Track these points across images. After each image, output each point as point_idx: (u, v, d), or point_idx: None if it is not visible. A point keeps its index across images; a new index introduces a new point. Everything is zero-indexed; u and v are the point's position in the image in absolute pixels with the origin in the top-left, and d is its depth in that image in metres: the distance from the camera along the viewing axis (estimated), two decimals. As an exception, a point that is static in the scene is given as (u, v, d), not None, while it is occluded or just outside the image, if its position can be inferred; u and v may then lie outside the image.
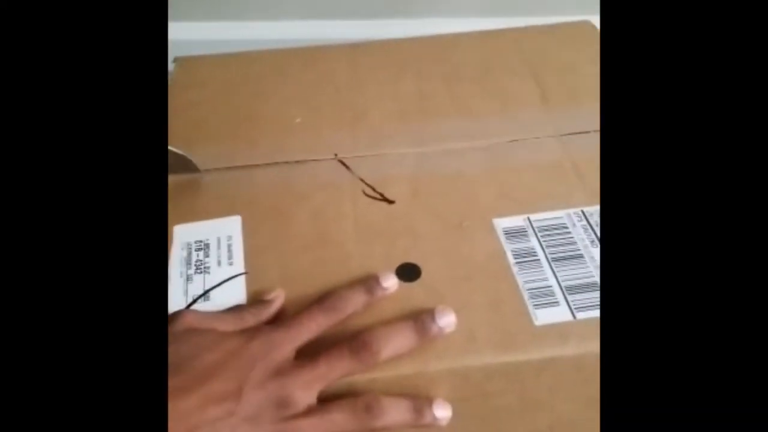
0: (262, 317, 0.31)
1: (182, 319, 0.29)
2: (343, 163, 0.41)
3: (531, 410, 0.31)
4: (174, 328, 0.28)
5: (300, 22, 0.73)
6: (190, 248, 0.36)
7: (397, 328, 0.29)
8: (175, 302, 0.33)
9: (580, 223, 0.35)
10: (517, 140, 0.42)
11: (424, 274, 0.33)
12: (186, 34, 0.70)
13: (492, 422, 0.32)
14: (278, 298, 0.32)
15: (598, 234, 0.35)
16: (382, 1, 0.72)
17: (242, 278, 0.34)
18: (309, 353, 0.29)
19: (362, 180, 0.40)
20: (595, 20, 0.55)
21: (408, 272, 0.33)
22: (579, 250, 0.34)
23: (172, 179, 0.41)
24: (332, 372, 0.28)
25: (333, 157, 0.42)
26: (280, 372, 0.27)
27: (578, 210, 0.36)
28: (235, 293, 0.33)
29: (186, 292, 0.33)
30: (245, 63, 0.51)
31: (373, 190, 0.39)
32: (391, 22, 0.73)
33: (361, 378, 0.29)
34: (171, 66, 0.51)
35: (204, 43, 0.53)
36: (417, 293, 0.32)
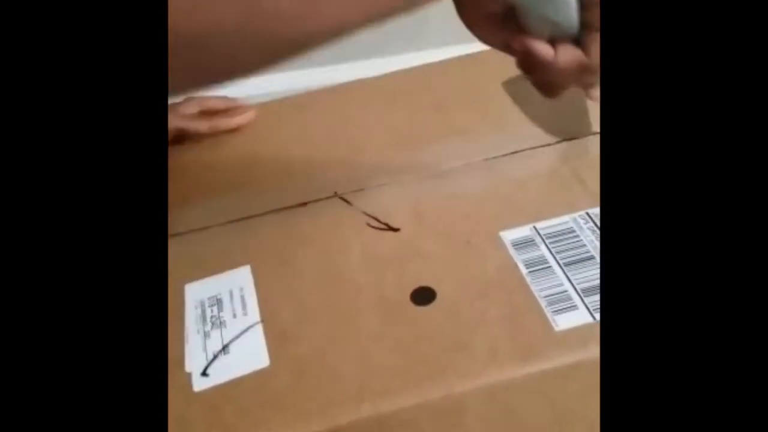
0: None
1: None
2: (344, 199, 0.41)
3: (564, 422, 0.30)
4: None
5: (281, 74, 0.75)
6: (204, 305, 0.36)
7: None
8: (196, 360, 0.33)
9: (587, 225, 0.35)
10: (513, 153, 0.42)
11: (438, 296, 0.33)
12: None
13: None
14: None
15: (607, 233, 0.34)
16: (358, 44, 0.74)
17: (258, 327, 0.34)
18: None
19: (365, 213, 0.40)
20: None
21: (423, 296, 0.33)
22: (590, 252, 0.34)
23: (177, 240, 0.41)
24: None
25: (333, 194, 0.42)
26: None
27: (582, 213, 0.36)
28: (254, 343, 0.33)
29: (205, 349, 0.33)
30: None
31: (377, 221, 0.39)
32: (368, 63, 0.74)
33: (389, 408, 0.28)
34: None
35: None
36: (434, 315, 0.32)
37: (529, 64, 0.34)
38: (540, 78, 0.35)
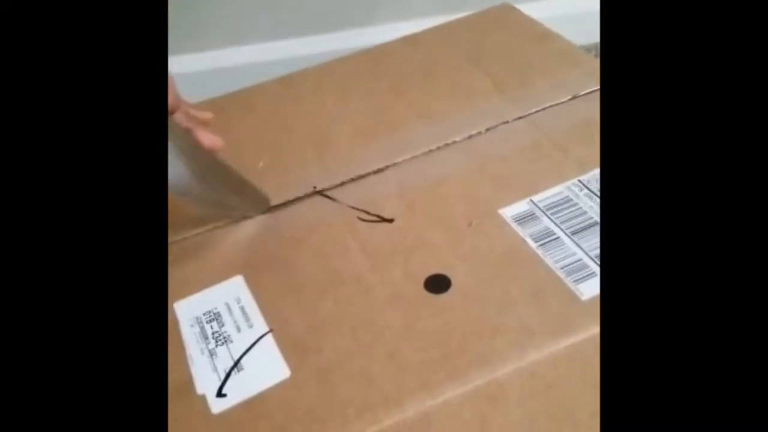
0: None
1: None
2: (326, 195, 0.40)
3: (597, 387, 0.31)
4: None
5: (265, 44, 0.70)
6: (201, 322, 0.33)
7: None
8: (207, 381, 0.30)
9: (582, 192, 0.36)
10: (487, 130, 0.42)
11: (454, 283, 0.32)
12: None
13: (560, 413, 0.31)
14: None
15: (602, 198, 0.35)
16: (344, 14, 0.71)
17: (269, 337, 0.32)
18: None
19: (352, 207, 0.38)
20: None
21: (437, 284, 0.32)
22: (592, 218, 0.34)
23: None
24: None
25: (312, 191, 0.40)
26: None
27: (574, 180, 0.36)
28: (268, 354, 0.31)
29: (215, 369, 0.31)
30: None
31: (367, 213, 0.38)
32: (356, 32, 0.71)
33: (434, 402, 0.28)
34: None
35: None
36: (455, 302, 0.31)
37: None
38: None
